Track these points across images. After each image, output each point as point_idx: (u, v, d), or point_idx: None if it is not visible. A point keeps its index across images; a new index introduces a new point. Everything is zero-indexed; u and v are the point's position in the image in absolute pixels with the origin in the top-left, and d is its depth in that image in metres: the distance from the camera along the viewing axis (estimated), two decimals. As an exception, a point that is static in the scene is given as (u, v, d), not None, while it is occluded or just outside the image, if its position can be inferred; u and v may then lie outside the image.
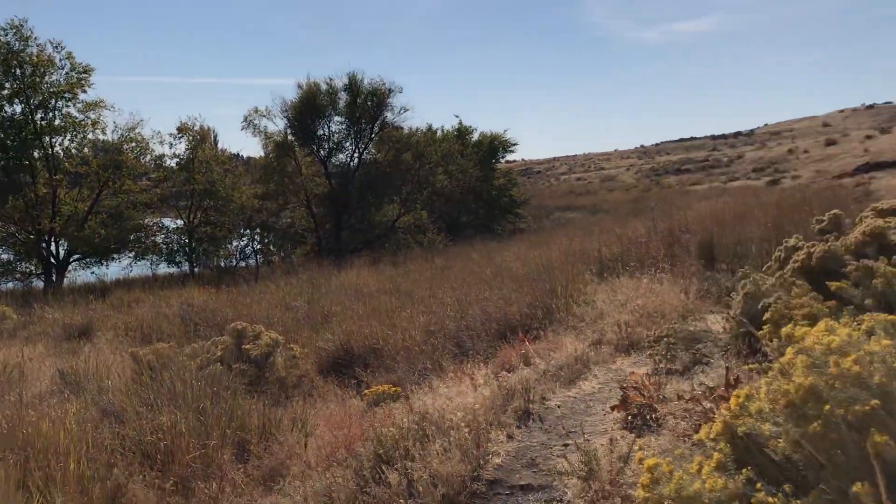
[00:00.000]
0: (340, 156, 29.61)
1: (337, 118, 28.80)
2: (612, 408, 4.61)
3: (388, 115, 28.59)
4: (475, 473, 3.97)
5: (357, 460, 4.29)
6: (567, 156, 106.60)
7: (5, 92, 22.04)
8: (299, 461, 5.05)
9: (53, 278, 23.22)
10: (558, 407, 4.96)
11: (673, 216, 13.55)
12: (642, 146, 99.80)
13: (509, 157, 43.13)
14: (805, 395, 2.27)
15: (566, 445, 4.24)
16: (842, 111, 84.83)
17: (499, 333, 8.09)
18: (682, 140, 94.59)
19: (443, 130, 36.26)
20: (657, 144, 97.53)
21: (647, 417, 4.33)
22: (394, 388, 6.52)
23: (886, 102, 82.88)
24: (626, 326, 6.72)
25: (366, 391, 6.79)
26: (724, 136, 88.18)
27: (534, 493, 3.80)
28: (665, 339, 5.82)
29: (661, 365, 5.46)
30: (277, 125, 28.90)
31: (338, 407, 6.62)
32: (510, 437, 4.48)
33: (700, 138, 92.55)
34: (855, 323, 2.84)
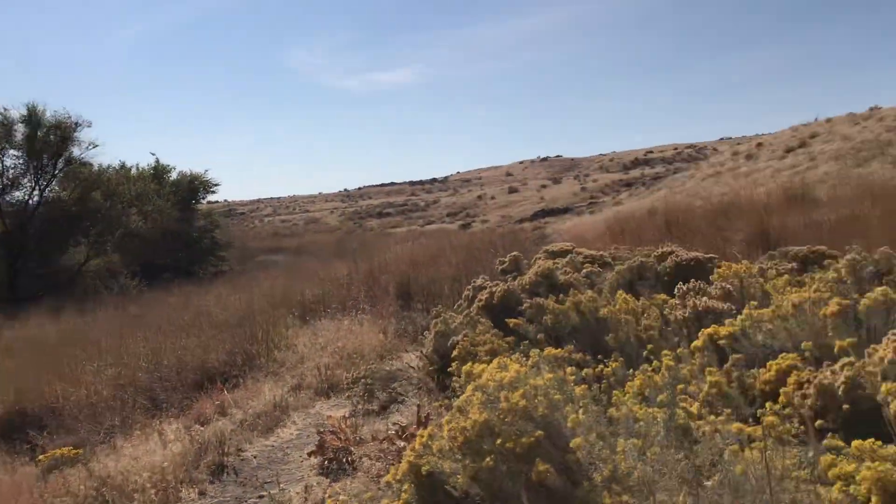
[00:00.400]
0: (17, 193, 26.69)
1: (13, 152, 25.97)
2: (310, 454, 4.58)
3: (75, 151, 26.38)
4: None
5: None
6: (272, 198, 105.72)
7: None
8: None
9: None
10: (255, 458, 4.82)
11: (373, 258, 13.94)
12: (346, 190, 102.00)
13: (211, 197, 41.76)
14: (480, 431, 2.41)
15: (261, 497, 4.12)
16: (521, 162, 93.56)
17: (196, 384, 7.72)
18: (383, 185, 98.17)
19: (137, 169, 34.21)
20: (360, 188, 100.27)
21: (343, 461, 4.36)
22: (74, 451, 5.91)
23: (557, 156, 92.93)
24: (327, 369, 6.75)
25: (41, 457, 6.09)
26: (421, 182, 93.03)
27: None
28: (363, 379, 5.93)
29: (360, 406, 5.54)
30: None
31: (5, 476, 5.86)
32: (202, 493, 4.26)
33: (400, 183, 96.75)
34: (525, 358, 3.09)
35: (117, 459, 4.86)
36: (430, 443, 2.60)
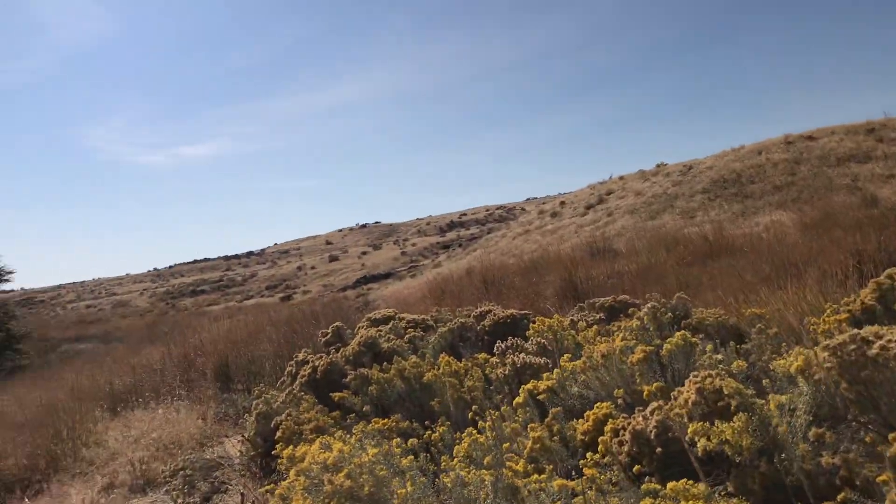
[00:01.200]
0: None
1: None
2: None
3: None
4: None
5: None
6: (75, 282, 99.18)
7: None
8: None
9: None
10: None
11: (188, 339, 13.30)
12: (156, 269, 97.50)
13: (5, 286, 38.45)
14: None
15: None
16: (341, 230, 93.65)
17: (-9, 496, 6.93)
18: (196, 261, 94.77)
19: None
20: (171, 267, 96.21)
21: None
22: None
23: (376, 222, 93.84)
24: (141, 464, 6.28)
25: None
26: (237, 256, 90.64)
27: None
28: (182, 471, 5.58)
29: (179, 500, 5.19)
30: None
31: None
32: None
33: (214, 259, 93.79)
34: (350, 434, 3.01)
35: None
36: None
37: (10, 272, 35.35)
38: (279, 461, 4.40)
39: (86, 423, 8.49)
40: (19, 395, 13.99)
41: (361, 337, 6.28)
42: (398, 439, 2.99)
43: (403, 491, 2.34)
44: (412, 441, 3.19)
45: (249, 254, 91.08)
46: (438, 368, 4.65)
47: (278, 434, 4.66)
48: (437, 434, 3.66)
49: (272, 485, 4.55)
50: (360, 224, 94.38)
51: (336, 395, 5.02)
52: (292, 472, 2.59)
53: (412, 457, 2.69)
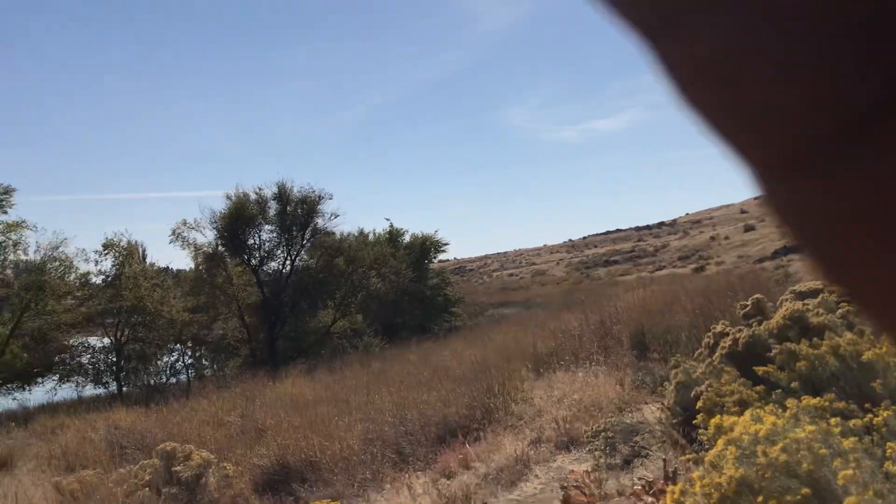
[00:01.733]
0: (272, 264, 29.36)
1: (267, 227, 28.71)
2: (555, 509, 4.54)
3: (319, 222, 28.66)
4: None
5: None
6: (498, 253, 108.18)
7: (-78, 215, 21.41)
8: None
9: (-29, 407, 22.05)
10: (501, 511, 4.86)
11: (603, 308, 13.76)
12: (570, 240, 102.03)
13: (441, 256, 43.47)
14: (737, 488, 2.27)
15: (510, 552, 4.14)
16: (757, 198, 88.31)
17: (438, 437, 7.95)
18: (608, 232, 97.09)
19: (374, 234, 36.54)
20: (584, 238, 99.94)
21: (590, 517, 4.27)
22: (333, 503, 6.29)
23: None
24: (565, 422, 6.70)
25: (303, 508, 6.54)
26: (648, 227, 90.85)
27: None
28: (604, 433, 5.82)
29: (602, 460, 5.43)
30: (207, 237, 28.55)
31: (274, 527, 6.34)
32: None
33: (625, 230, 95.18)
34: (780, 409, 2.88)
35: (372, 512, 5.11)
36: (681, 499, 2.49)
37: (446, 244, 39.90)
38: (700, 431, 4.38)
39: (513, 380, 9.27)
40: (456, 351, 15.77)
41: (786, 310, 5.92)
42: (836, 419, 2.79)
43: (848, 472, 2.19)
44: (854, 422, 2.95)
45: (661, 224, 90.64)
46: (881, 347, 4.21)
47: (699, 404, 4.63)
48: (879, 418, 3.33)
49: (693, 453, 4.56)
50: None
51: (759, 370, 4.82)
52: (720, 442, 2.58)
53: (854, 438, 2.50)
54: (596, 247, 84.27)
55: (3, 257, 23.39)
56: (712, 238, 60.00)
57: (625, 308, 12.57)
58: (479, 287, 66.99)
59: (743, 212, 78.89)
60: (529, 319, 21.73)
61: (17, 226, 23.26)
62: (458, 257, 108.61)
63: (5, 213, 22.85)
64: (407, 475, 6.34)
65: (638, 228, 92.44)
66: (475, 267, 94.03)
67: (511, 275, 75.58)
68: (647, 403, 7.03)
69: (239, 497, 7.85)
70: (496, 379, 9.23)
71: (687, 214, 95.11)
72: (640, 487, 4.21)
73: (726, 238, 57.38)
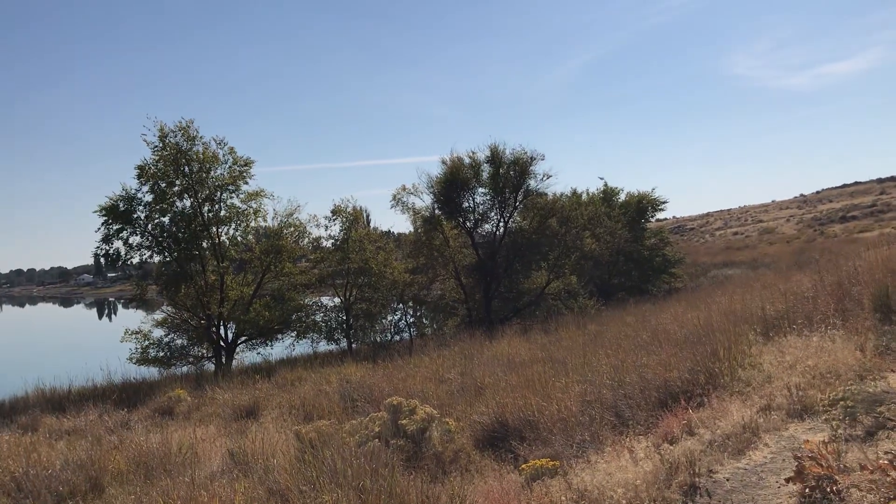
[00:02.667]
0: (486, 226, 29.88)
1: (481, 189, 29.20)
2: (787, 480, 4.26)
3: (531, 183, 28.68)
4: (641, 555, 3.75)
5: (516, 541, 4.16)
6: (721, 210, 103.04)
7: (176, 189, 23.78)
8: (459, 540, 4.96)
9: (223, 360, 24.50)
10: (727, 480, 4.63)
11: (841, 267, 12.66)
12: (802, 195, 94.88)
13: (659, 215, 42.13)
14: None
15: (740, 523, 3.95)
16: None
17: (659, 401, 7.74)
18: (844, 186, 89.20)
19: (588, 193, 36.06)
20: (818, 192, 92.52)
21: (828, 490, 3.97)
22: (552, 463, 6.34)
23: None
24: (798, 389, 6.26)
25: (523, 465, 6.64)
26: (892, 179, 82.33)
27: (707, 578, 3.53)
28: (842, 401, 5.37)
29: (840, 431, 5.02)
30: (424, 201, 29.55)
31: (496, 483, 6.49)
32: (677, 514, 4.22)
33: (865, 182, 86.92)
34: None
35: (592, 474, 5.06)
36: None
37: (664, 202, 38.56)
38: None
39: (740, 344, 8.79)
40: (676, 313, 15.25)
41: None
42: None
43: None
44: None
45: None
46: None
47: (961, 375, 4.13)
48: None
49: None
50: None
51: None
52: None
53: None
54: (831, 201, 77.78)
55: (245, 224, 25.57)
56: (971, 189, 53.37)
57: (865, 268, 11.46)
58: (700, 246, 64.38)
59: None
60: (756, 280, 20.54)
61: (256, 195, 25.32)
62: (678, 216, 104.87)
63: (246, 183, 24.92)
64: (627, 438, 6.23)
65: (880, 180, 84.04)
66: (696, 226, 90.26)
67: (735, 233, 71.78)
68: (893, 371, 6.40)
69: (461, 452, 8.12)
70: (720, 343, 8.80)
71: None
72: (886, 461, 3.84)
73: None
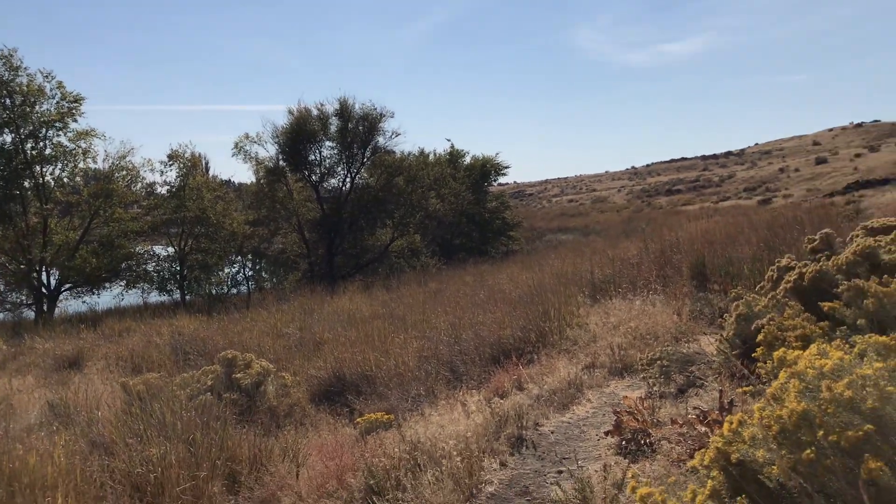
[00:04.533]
0: (332, 181, 29.57)
1: (328, 143, 28.80)
2: (606, 433, 4.57)
3: (380, 140, 28.60)
4: (468, 503, 3.91)
5: (348, 492, 4.22)
6: (559, 178, 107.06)
7: (-5, 122, 21.98)
8: (290, 492, 4.97)
9: (44, 308, 23.04)
10: (552, 433, 4.90)
11: (664, 237, 13.55)
12: (633, 167, 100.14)
13: (501, 179, 43.23)
14: (798, 421, 2.23)
15: (560, 472, 4.19)
16: (831, 130, 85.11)
17: (492, 358, 8.03)
18: (672, 161, 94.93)
19: (435, 154, 36.35)
20: (648, 165, 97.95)
21: (642, 442, 4.29)
22: (387, 416, 6.45)
23: (874, 121, 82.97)
24: (620, 349, 6.69)
25: (358, 419, 6.72)
26: (714, 157, 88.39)
27: (527, 523, 3.74)
28: (659, 361, 5.79)
29: (656, 388, 5.42)
30: (269, 151, 28.95)
31: (330, 436, 6.54)
32: (503, 464, 4.42)
33: (691, 158, 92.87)
34: (847, 345, 2.81)
35: (426, 426, 5.20)
36: (739, 430, 2.46)
37: (507, 167, 39.56)
38: (759, 364, 4.32)
39: (569, 305, 9.26)
40: (512, 274, 15.80)
41: (858, 246, 5.72)
42: (905, 358, 2.71)
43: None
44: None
45: (728, 154, 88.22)
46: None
47: (759, 337, 4.55)
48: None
49: (750, 386, 4.51)
50: (856, 123, 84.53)
51: (825, 305, 4.69)
52: (782, 375, 2.53)
53: (924, 378, 2.42)
54: (659, 175, 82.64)
55: (72, 165, 24.00)
56: (781, 170, 58.22)
57: (686, 238, 12.36)
58: (537, 212, 66.69)
59: (816, 143, 76.17)
60: (587, 246, 21.58)
61: (86, 134, 23.79)
62: (518, 181, 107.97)
63: (75, 121, 23.37)
64: (461, 393, 6.44)
65: (704, 157, 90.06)
66: (535, 191, 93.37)
67: (571, 201, 74.90)
68: (704, 335, 6.96)
69: (296, 406, 8.10)
70: (552, 303, 9.23)
71: (756, 145, 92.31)
72: (694, 416, 4.20)
73: (796, 170, 55.62)
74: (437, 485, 3.94)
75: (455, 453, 4.21)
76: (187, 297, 26.40)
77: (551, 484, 4.06)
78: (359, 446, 5.45)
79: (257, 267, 31.09)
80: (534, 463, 4.44)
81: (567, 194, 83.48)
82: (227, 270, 29.29)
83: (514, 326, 8.74)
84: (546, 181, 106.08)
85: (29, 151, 22.64)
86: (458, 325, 9.82)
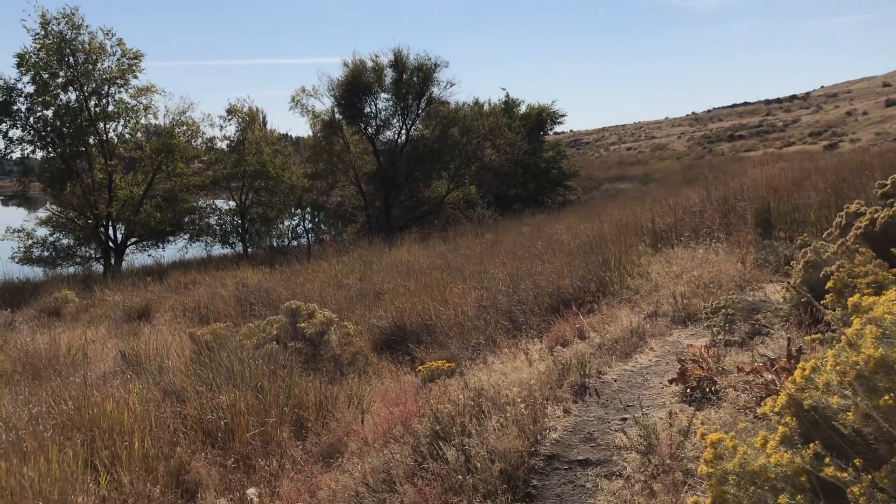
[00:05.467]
0: (388, 133, 29.57)
1: (383, 95, 28.74)
2: (671, 381, 4.55)
3: (435, 91, 28.42)
4: (533, 449, 3.96)
5: (414, 437, 4.31)
6: (617, 125, 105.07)
7: (60, 80, 22.44)
8: (357, 438, 5.10)
9: (112, 262, 23.77)
10: (615, 381, 4.91)
11: (727, 184, 13.27)
12: (694, 113, 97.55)
13: (558, 128, 42.71)
14: (875, 367, 2.19)
15: (624, 420, 4.20)
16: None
17: (551, 307, 8.03)
18: (734, 105, 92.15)
19: (490, 104, 35.99)
20: (709, 111, 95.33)
21: (707, 390, 4.26)
22: (448, 364, 6.53)
23: (949, 59, 79.09)
24: (682, 298, 6.61)
25: (420, 367, 6.82)
26: (778, 101, 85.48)
27: (592, 468, 3.77)
28: (723, 309, 5.71)
29: (720, 336, 5.36)
30: (325, 104, 28.93)
31: (393, 383, 6.66)
32: (567, 411, 4.45)
33: (753, 103, 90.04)
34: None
35: (489, 374, 5.25)
36: (812, 376, 2.43)
37: (563, 115, 38.99)
38: (827, 312, 4.24)
39: (630, 255, 9.16)
40: (570, 224, 15.68)
41: (933, 190, 5.54)
42: None
43: None
44: None
45: (792, 97, 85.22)
46: None
47: (828, 285, 4.45)
48: None
49: (818, 334, 4.43)
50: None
51: (898, 251, 4.56)
52: (856, 321, 2.48)
53: None
54: (721, 120, 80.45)
55: (134, 121, 24.49)
56: (848, 113, 56.12)
57: (750, 185, 12.06)
58: (595, 161, 65.81)
59: (886, 85, 73.05)
60: (647, 194, 21.27)
61: (146, 90, 24.21)
62: (575, 129, 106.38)
63: (135, 77, 23.79)
64: (523, 341, 6.48)
65: (767, 102, 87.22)
66: (592, 140, 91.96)
67: (629, 149, 73.61)
68: (770, 282, 6.84)
69: (359, 354, 8.26)
70: (612, 253, 9.15)
71: (822, 88, 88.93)
72: (760, 364, 4.15)
73: (864, 114, 53.56)
74: (502, 430, 4.00)
75: (519, 400, 4.25)
76: (249, 250, 26.95)
77: (615, 430, 4.08)
78: (422, 393, 5.54)
79: (316, 220, 31.51)
80: (597, 410, 4.45)
81: (625, 142, 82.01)
82: (287, 223, 29.77)
83: (573, 276, 8.70)
84: (603, 129, 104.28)
85: (93, 109, 23.14)
86: (516, 275, 9.83)
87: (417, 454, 4.14)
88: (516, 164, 33.25)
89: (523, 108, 37.51)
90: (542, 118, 37.44)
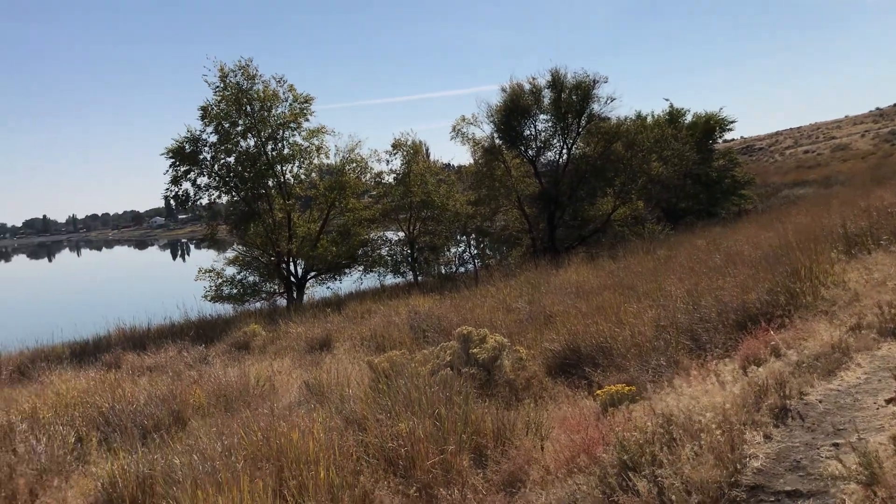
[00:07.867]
0: (548, 154, 29.22)
1: (542, 116, 28.48)
2: (887, 401, 4.05)
3: (595, 107, 27.85)
4: (733, 479, 3.62)
5: (600, 467, 4.07)
6: (791, 128, 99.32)
7: (239, 128, 23.96)
8: (538, 466, 4.91)
9: (294, 295, 24.96)
10: (820, 402, 4.44)
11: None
12: (878, 108, 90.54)
13: (727, 136, 40.75)
14: None
15: (836, 445, 3.76)
16: None
17: (737, 324, 7.52)
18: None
19: (653, 116, 34.92)
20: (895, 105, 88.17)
21: (934, 412, 3.75)
22: (628, 388, 6.21)
23: None
24: (890, 308, 5.96)
25: (598, 391, 6.54)
26: (975, 88, 77.72)
27: (804, 501, 3.38)
28: (941, 319, 5.08)
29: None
30: (484, 131, 29.02)
31: (570, 409, 6.43)
32: (768, 437, 4.06)
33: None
34: None
35: (677, 398, 4.90)
36: None
37: (732, 122, 37.19)
38: None
39: (821, 263, 8.46)
40: (749, 235, 14.81)
41: None
42: None
43: None
44: None
45: None
46: None
47: None
48: None
49: None
50: None
51: None
52: None
53: None
54: (909, 115, 74.16)
55: (308, 162, 25.73)
56: None
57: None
58: (769, 166, 62.45)
59: None
60: (831, 198, 19.77)
61: (317, 132, 25.38)
62: (746, 136, 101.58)
63: (307, 120, 24.98)
64: (711, 361, 6.06)
65: (963, 90, 79.51)
66: (765, 145, 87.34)
67: (806, 151, 69.26)
68: None
69: (533, 379, 8.07)
70: (800, 262, 8.48)
71: None
72: None
73: None
74: (697, 460, 3.69)
75: (714, 426, 3.92)
76: (419, 278, 27.49)
77: (827, 458, 3.66)
78: (603, 419, 5.28)
79: (482, 245, 31.70)
80: (803, 435, 4.03)
81: (802, 145, 77.29)
82: (453, 250, 30.15)
83: (759, 289, 8.13)
84: (777, 133, 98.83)
85: (270, 152, 24.52)
86: (694, 291, 9.32)
87: (605, 485, 3.90)
88: (685, 175, 31.99)
89: (689, 118, 36.14)
90: (710, 126, 35.87)
